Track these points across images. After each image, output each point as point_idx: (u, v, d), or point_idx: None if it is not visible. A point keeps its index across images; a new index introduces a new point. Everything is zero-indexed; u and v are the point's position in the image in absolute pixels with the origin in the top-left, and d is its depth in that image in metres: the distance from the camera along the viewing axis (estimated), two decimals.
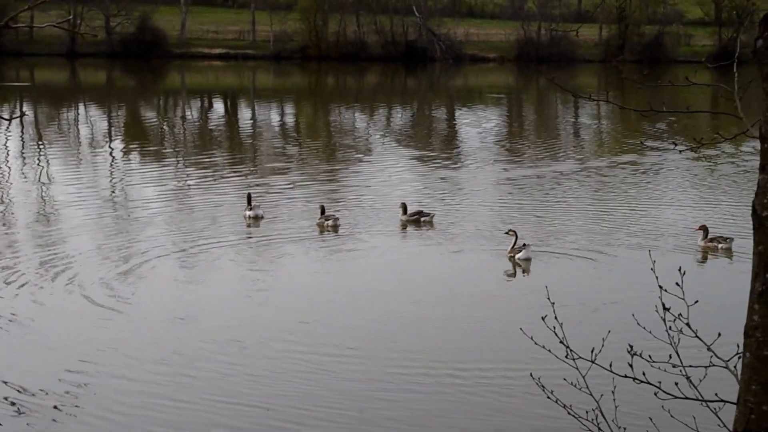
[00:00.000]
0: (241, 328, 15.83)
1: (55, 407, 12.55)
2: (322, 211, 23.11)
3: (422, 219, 23.45)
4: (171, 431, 12.20)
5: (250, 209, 23.67)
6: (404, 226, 23.40)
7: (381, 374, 13.97)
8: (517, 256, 20.28)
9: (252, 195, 24.38)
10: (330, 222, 22.82)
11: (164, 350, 14.79)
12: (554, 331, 5.52)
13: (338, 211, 24.22)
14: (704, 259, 20.83)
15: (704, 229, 21.26)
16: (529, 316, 13.84)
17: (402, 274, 19.75)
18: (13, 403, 12.59)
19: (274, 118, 55.82)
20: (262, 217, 23.68)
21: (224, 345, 14.99)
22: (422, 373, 14.05)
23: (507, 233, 20.97)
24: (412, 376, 13.89)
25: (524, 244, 20.40)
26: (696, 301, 5.51)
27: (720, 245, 20.95)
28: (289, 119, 56.20)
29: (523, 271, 19.99)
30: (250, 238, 22.53)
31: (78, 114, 55.21)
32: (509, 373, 13.78)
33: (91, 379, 13.60)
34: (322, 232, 22.78)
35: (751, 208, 4.06)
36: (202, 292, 18.14)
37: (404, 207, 23.68)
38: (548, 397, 5.93)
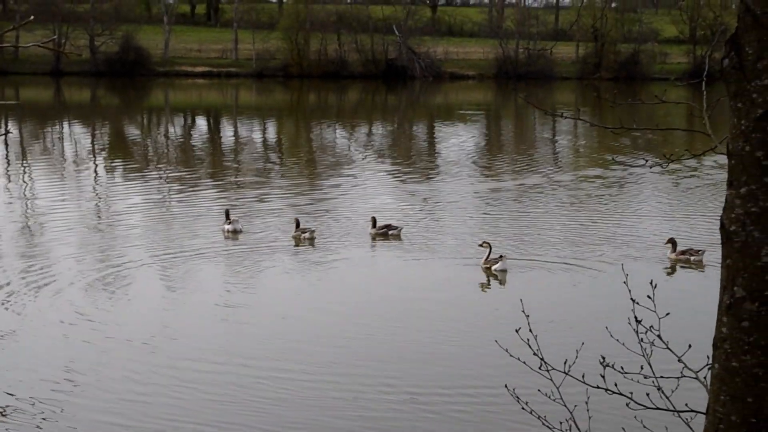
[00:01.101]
0: (206, 346, 15.60)
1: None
2: (297, 225, 23.34)
3: (390, 232, 23.58)
4: None
5: (229, 223, 23.74)
6: (374, 239, 23.48)
7: (351, 392, 13.67)
8: (493, 267, 20.31)
9: (230, 210, 24.58)
10: (306, 235, 23.03)
11: (127, 369, 14.47)
12: (528, 344, 5.52)
13: (311, 223, 24.32)
14: (674, 271, 20.90)
15: (672, 242, 21.43)
16: (505, 327, 13.82)
17: (374, 287, 19.68)
18: None
19: (256, 135, 55.72)
20: (241, 231, 23.74)
21: (186, 365, 14.67)
22: (394, 385, 13.91)
23: (481, 245, 21.01)
24: (380, 386, 13.79)
25: (500, 256, 20.47)
26: (667, 314, 5.54)
27: (692, 257, 21.08)
28: (271, 136, 56.13)
29: (500, 282, 20.01)
30: (227, 251, 22.48)
31: (63, 131, 54.92)
32: (483, 383, 13.70)
33: (56, 394, 13.40)
34: (297, 244, 22.85)
35: (719, 222, 4.07)
36: (174, 307, 18.09)
37: (374, 220, 23.81)
38: (523, 408, 5.92)
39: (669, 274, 20.68)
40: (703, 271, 20.70)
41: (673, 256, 21.24)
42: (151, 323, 16.84)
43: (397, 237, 23.51)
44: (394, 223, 24.14)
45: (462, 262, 21.27)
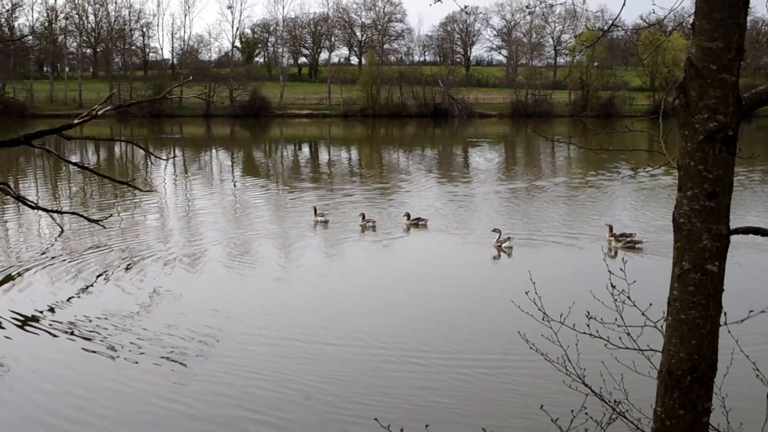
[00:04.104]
0: (304, 308, 15.46)
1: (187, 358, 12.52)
2: (363, 217, 23.39)
3: (419, 223, 23.30)
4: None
5: (321, 216, 23.94)
6: (408, 229, 23.24)
7: (383, 347, 12.83)
8: (503, 245, 20.10)
9: (317, 206, 25.06)
10: (370, 224, 23.05)
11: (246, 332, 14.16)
12: (533, 302, 5.49)
13: (374, 215, 24.39)
14: (639, 251, 20.25)
15: (610, 228, 20.85)
16: (513, 289, 13.51)
17: (415, 262, 19.31)
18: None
19: (343, 156, 56.01)
20: (327, 221, 23.88)
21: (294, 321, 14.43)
22: (434, 332, 13.58)
23: (493, 231, 20.80)
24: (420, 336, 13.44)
25: (508, 237, 20.28)
26: (634, 281, 5.45)
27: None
28: (353, 157, 56.34)
29: (508, 256, 19.76)
30: (318, 235, 22.62)
31: (211, 155, 55.92)
32: (499, 330, 13.41)
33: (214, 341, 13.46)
34: (363, 231, 22.87)
35: (672, 216, 4.01)
36: (281, 274, 18.01)
37: (408, 215, 23.67)
38: (531, 347, 5.88)
39: (637, 253, 20.04)
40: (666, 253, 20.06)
41: (618, 244, 20.12)
42: (262, 286, 16.95)
43: (424, 227, 23.22)
44: (422, 216, 23.96)
45: (479, 243, 20.98)
